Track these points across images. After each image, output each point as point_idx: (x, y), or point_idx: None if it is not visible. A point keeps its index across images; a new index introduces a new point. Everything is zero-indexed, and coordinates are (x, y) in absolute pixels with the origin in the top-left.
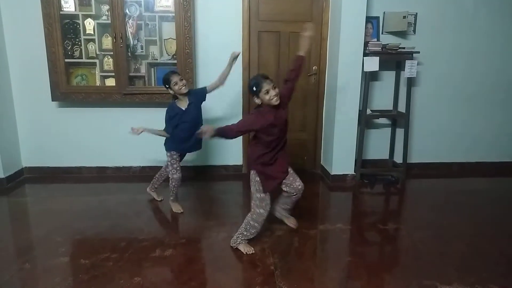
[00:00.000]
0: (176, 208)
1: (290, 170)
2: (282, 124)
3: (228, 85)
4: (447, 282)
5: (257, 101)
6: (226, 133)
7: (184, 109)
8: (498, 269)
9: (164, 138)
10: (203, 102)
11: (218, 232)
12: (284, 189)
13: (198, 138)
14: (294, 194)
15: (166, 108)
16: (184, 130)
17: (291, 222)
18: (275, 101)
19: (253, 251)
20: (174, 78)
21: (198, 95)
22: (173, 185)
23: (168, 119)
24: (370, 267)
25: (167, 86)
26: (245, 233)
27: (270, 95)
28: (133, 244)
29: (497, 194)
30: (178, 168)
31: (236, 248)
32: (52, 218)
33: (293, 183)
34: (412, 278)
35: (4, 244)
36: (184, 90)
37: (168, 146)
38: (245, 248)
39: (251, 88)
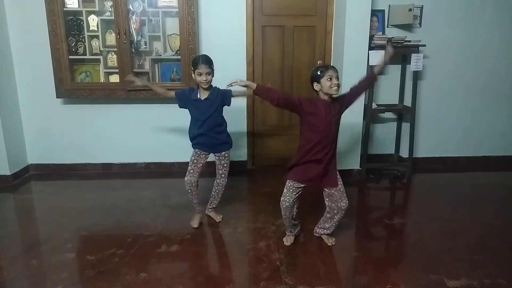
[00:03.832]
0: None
1: (340, 187)
2: (326, 122)
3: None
4: (455, 277)
5: (317, 87)
6: (269, 91)
7: (199, 98)
8: (507, 264)
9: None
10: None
11: (224, 227)
12: (327, 202)
13: (211, 142)
14: (336, 212)
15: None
16: (192, 123)
17: (329, 240)
18: (335, 90)
19: (288, 243)
20: (201, 68)
21: (221, 96)
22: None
23: (181, 92)
24: (376, 262)
25: (192, 69)
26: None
27: (332, 82)
28: (139, 240)
29: (505, 188)
30: (190, 170)
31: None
32: (58, 215)
33: (338, 202)
34: (420, 273)
35: (11, 240)
36: (204, 85)
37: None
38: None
39: (316, 72)
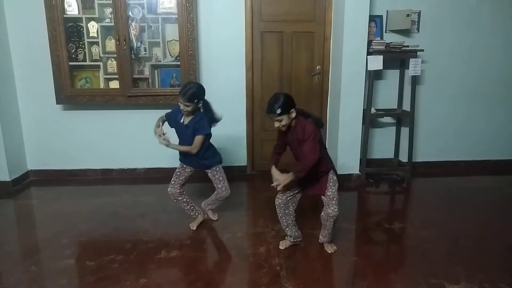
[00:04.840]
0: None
1: (330, 194)
2: (289, 144)
3: (231, 85)
4: (455, 281)
5: None
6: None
7: (181, 122)
8: (507, 267)
9: None
10: None
11: (223, 232)
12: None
13: (193, 162)
14: (326, 219)
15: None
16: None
17: (329, 248)
18: (280, 129)
19: (282, 247)
20: (180, 98)
21: (197, 127)
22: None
23: (170, 114)
24: (376, 267)
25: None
26: None
27: (275, 125)
28: (138, 246)
29: (504, 192)
30: (172, 181)
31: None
32: (58, 221)
33: (326, 208)
34: (419, 277)
35: (10, 246)
36: (183, 112)
37: None
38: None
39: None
